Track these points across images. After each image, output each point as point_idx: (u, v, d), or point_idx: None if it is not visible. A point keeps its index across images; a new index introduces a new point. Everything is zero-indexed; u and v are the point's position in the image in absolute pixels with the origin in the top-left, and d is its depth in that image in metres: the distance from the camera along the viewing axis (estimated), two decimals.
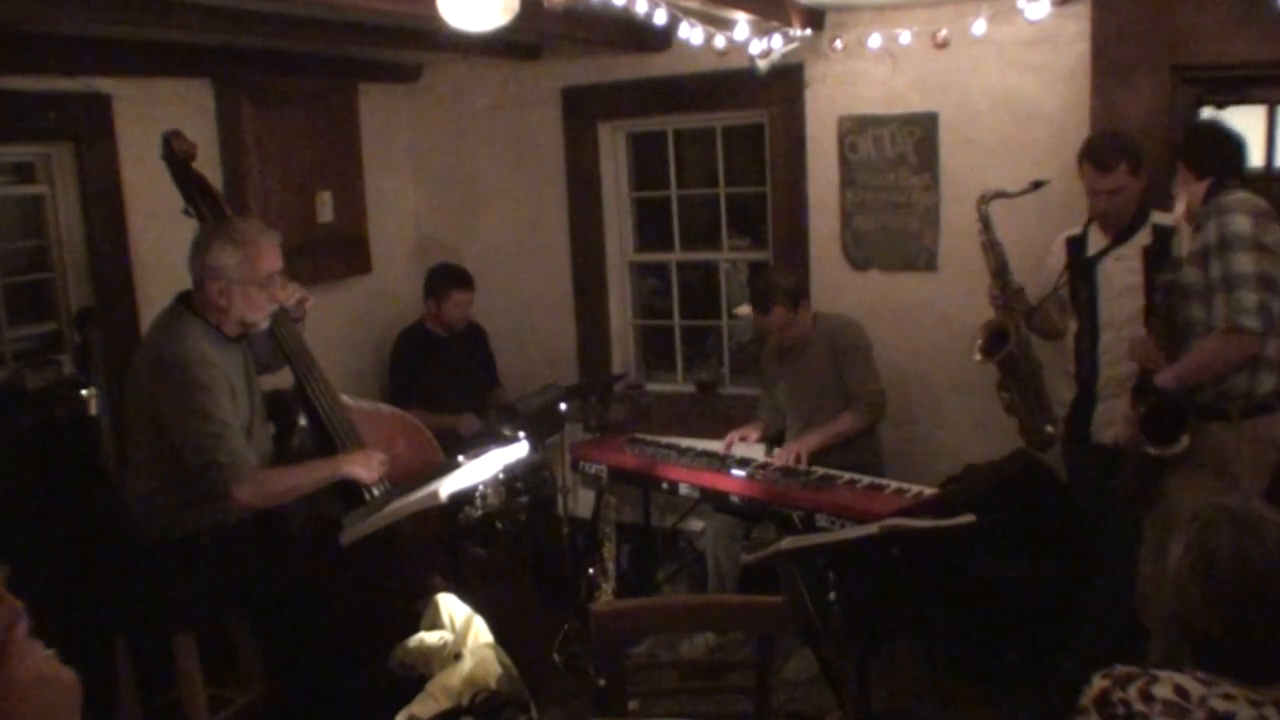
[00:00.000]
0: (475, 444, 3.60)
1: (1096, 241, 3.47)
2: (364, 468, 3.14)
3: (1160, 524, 2.98)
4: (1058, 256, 3.57)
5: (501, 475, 3.43)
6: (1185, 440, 2.90)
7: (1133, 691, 1.56)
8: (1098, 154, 3.33)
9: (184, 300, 3.07)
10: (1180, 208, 3.09)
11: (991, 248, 3.61)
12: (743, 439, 4.13)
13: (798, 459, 3.89)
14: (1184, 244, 3.07)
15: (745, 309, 5.67)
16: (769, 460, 4.02)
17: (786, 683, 3.73)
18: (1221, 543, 1.60)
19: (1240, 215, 2.83)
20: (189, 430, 2.88)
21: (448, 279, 4.77)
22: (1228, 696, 1.52)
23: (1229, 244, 2.81)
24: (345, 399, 3.38)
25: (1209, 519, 1.64)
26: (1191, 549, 1.64)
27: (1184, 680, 1.55)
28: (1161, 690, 1.55)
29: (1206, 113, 3.81)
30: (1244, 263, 2.79)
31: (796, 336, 4.07)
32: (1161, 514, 2.99)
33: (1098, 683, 1.61)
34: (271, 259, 3.05)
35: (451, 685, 2.58)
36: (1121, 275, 3.37)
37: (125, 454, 3.14)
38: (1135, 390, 3.06)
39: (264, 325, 3.14)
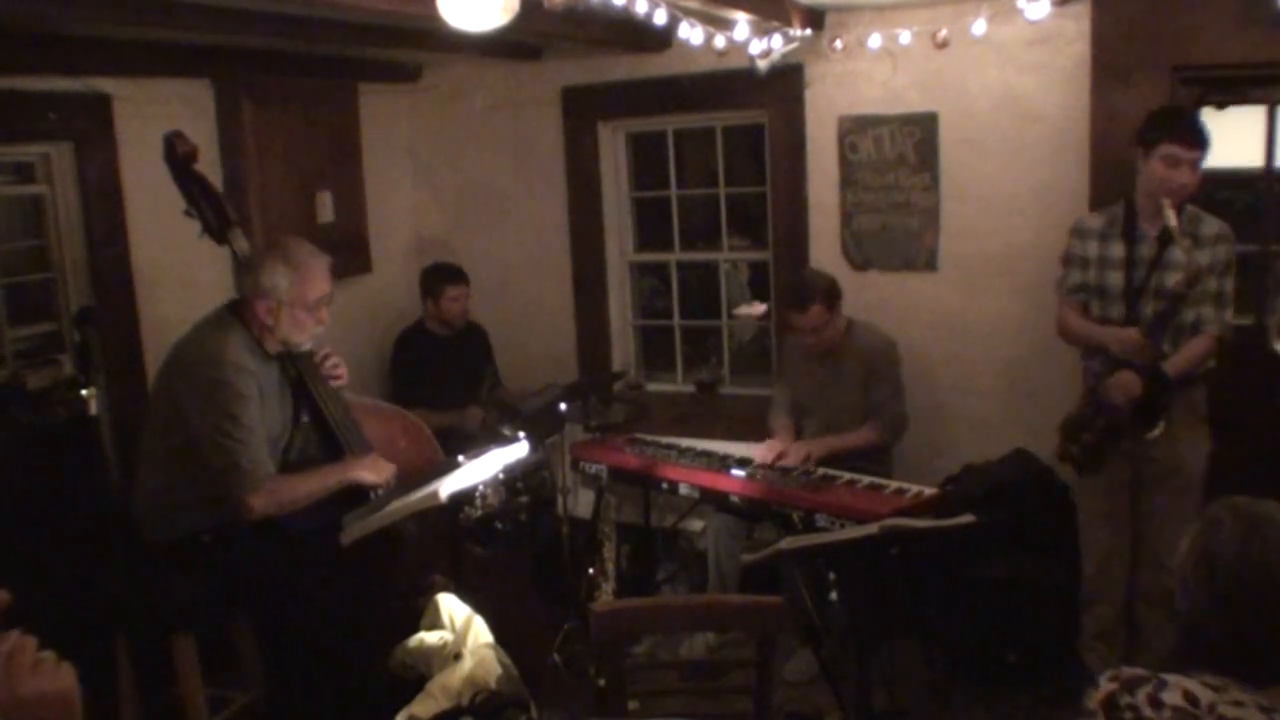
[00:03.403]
0: (481, 438, 3.61)
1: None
2: (372, 472, 3.16)
3: None
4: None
5: (501, 475, 3.42)
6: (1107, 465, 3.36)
7: (1141, 696, 1.54)
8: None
9: (231, 309, 3.09)
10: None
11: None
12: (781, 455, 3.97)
13: (807, 458, 3.88)
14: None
15: (745, 309, 5.68)
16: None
17: (786, 683, 3.73)
18: (1225, 542, 1.59)
19: None
20: (215, 431, 2.90)
21: (440, 275, 4.77)
22: (1237, 703, 1.50)
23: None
24: (347, 395, 3.39)
25: (1214, 517, 1.63)
26: (1195, 548, 1.63)
27: (1193, 686, 1.53)
28: (1171, 696, 1.52)
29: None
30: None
31: (829, 339, 4.01)
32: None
33: (1105, 685, 1.58)
34: (322, 283, 3.10)
35: (451, 685, 2.57)
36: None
37: (127, 453, 3.14)
38: (1069, 423, 3.43)
39: (306, 346, 3.17)
